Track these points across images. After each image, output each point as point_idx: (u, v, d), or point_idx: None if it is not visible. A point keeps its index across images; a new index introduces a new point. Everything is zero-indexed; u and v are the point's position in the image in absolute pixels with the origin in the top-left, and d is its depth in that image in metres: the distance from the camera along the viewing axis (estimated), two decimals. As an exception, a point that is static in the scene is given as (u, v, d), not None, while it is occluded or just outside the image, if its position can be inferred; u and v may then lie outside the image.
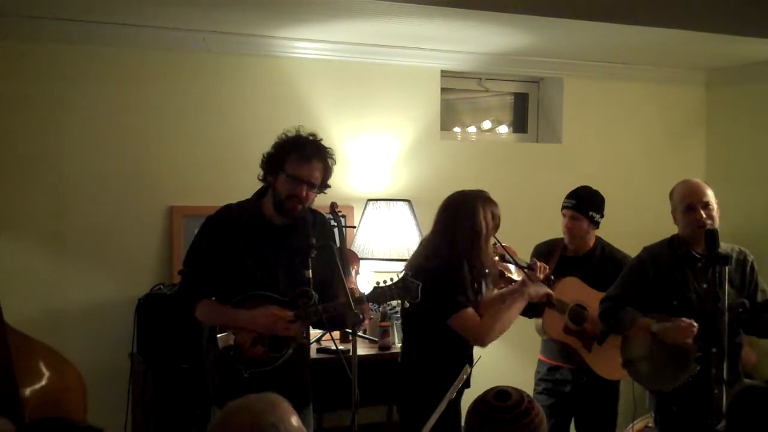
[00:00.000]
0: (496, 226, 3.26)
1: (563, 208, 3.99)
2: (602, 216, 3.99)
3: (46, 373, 2.88)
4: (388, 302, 3.04)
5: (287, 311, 2.99)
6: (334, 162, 3.15)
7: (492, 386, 2.24)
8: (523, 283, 3.34)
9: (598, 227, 4.00)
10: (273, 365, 3.01)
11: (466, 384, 3.10)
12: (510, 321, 3.24)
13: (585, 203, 3.93)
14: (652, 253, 3.56)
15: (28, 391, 2.76)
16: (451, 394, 2.63)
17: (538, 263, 3.44)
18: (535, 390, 4.05)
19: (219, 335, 3.01)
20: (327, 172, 3.11)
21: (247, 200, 3.18)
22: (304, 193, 3.03)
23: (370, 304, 3.03)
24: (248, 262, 3.05)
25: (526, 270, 3.39)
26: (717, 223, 3.40)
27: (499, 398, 2.09)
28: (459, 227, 3.23)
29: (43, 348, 2.95)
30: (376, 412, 4.58)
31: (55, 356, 2.97)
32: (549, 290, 3.36)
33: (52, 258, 4.14)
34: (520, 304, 3.28)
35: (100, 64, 4.20)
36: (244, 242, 3.07)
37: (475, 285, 3.23)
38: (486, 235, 3.23)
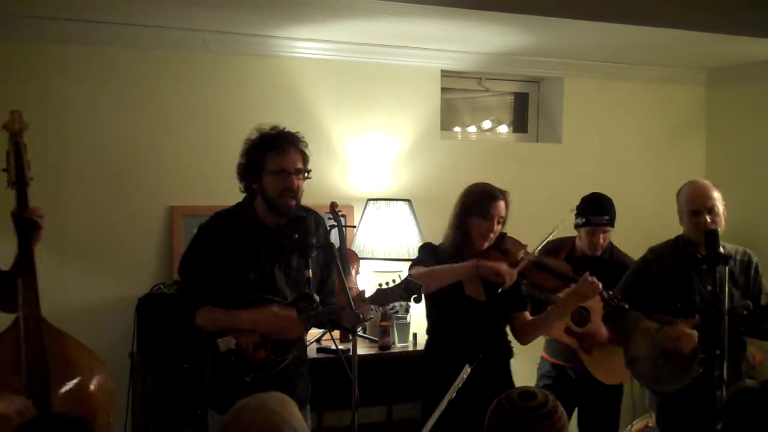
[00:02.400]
0: (480, 212, 3.28)
1: (597, 224, 3.86)
2: None
3: (77, 376, 2.86)
4: (391, 304, 3.02)
5: (290, 310, 2.98)
6: (306, 145, 3.10)
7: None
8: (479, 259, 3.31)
9: None
10: (275, 369, 3.00)
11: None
12: (440, 278, 3.23)
13: (613, 214, 3.90)
14: (656, 254, 3.56)
15: (59, 393, 2.74)
16: (452, 394, 2.64)
17: (587, 276, 3.33)
18: (536, 384, 4.05)
19: (219, 339, 2.99)
20: (305, 157, 3.08)
21: (239, 204, 3.15)
22: (295, 184, 3.01)
23: (372, 306, 3.01)
24: (245, 266, 3.04)
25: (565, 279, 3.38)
26: (723, 226, 3.40)
27: (523, 398, 2.08)
28: (454, 208, 3.37)
29: (69, 341, 2.94)
30: (376, 412, 4.58)
31: (87, 351, 2.96)
32: (503, 270, 3.22)
33: (52, 258, 4.13)
34: (462, 270, 3.24)
35: (99, 63, 4.20)
36: (240, 247, 3.05)
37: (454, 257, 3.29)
38: (468, 215, 3.29)
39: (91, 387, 2.83)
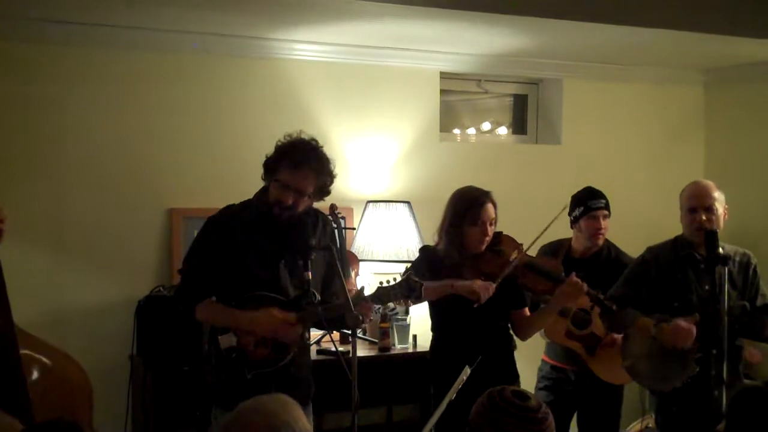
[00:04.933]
0: (471, 220, 3.30)
1: (595, 209, 3.88)
2: None
3: (46, 370, 2.85)
4: (392, 302, 3.03)
5: (290, 314, 2.98)
6: (333, 168, 3.10)
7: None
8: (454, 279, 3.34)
9: None
10: (276, 366, 3.01)
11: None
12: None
13: (607, 201, 3.95)
14: (655, 253, 3.56)
15: (37, 399, 2.73)
16: (452, 394, 2.64)
17: (572, 278, 3.36)
18: (537, 386, 4.06)
19: (221, 336, 3.00)
20: (322, 178, 3.06)
21: (249, 200, 3.17)
22: (290, 201, 3.00)
23: (374, 306, 3.02)
24: (251, 261, 3.04)
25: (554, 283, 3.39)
26: (721, 227, 3.40)
27: (520, 398, 2.10)
28: (444, 214, 3.41)
29: (40, 343, 2.93)
30: (375, 414, 4.58)
31: (54, 352, 2.95)
32: (477, 289, 3.25)
33: (52, 260, 4.14)
34: (439, 290, 3.29)
35: (99, 65, 4.20)
36: (246, 241, 3.05)
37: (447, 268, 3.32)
38: (459, 224, 3.31)
39: (71, 391, 2.82)
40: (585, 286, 3.35)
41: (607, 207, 3.93)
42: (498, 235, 3.43)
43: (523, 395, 2.11)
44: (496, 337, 3.42)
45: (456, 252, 3.35)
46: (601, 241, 3.94)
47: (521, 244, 3.44)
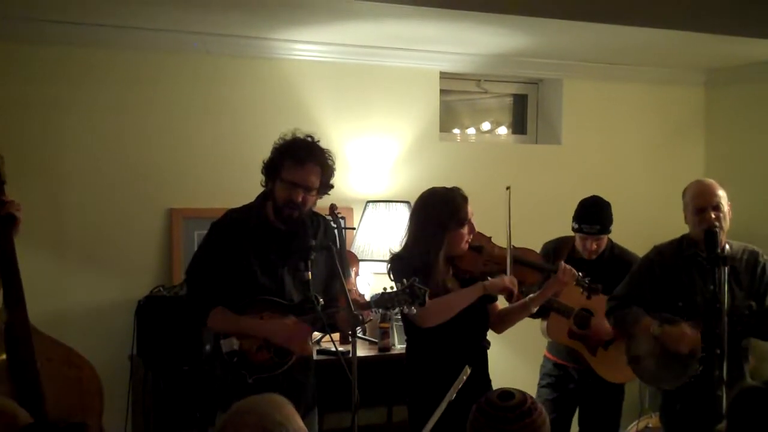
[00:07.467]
0: (459, 222, 3.21)
1: (587, 233, 3.88)
2: None
3: (59, 369, 2.85)
4: (395, 308, 2.99)
5: (304, 325, 2.98)
6: (333, 162, 3.13)
7: (495, 387, 2.26)
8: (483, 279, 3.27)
9: None
10: (278, 371, 3.00)
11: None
12: (453, 307, 3.16)
13: (607, 222, 3.91)
14: (660, 252, 3.57)
15: (50, 398, 2.73)
16: (451, 395, 2.63)
17: (564, 265, 3.35)
18: (539, 383, 4.06)
19: (222, 340, 3.00)
20: (326, 173, 3.09)
21: (251, 204, 3.17)
22: (300, 198, 3.01)
23: (376, 310, 3.00)
24: (255, 267, 3.05)
25: (545, 274, 3.37)
26: (728, 225, 3.40)
27: (502, 398, 2.11)
28: (420, 220, 3.26)
29: (52, 342, 2.93)
30: (375, 414, 4.58)
31: (70, 352, 2.95)
32: (508, 284, 3.22)
33: (52, 260, 4.14)
34: (472, 295, 3.20)
35: (99, 66, 4.20)
36: (250, 247, 3.06)
37: (431, 274, 3.18)
38: (444, 230, 3.20)
39: (82, 389, 2.82)
40: (575, 272, 3.34)
41: (602, 231, 3.89)
42: None
43: (507, 395, 2.12)
44: (482, 339, 3.36)
45: (438, 255, 3.20)
46: (594, 257, 3.94)
47: (490, 237, 3.39)
